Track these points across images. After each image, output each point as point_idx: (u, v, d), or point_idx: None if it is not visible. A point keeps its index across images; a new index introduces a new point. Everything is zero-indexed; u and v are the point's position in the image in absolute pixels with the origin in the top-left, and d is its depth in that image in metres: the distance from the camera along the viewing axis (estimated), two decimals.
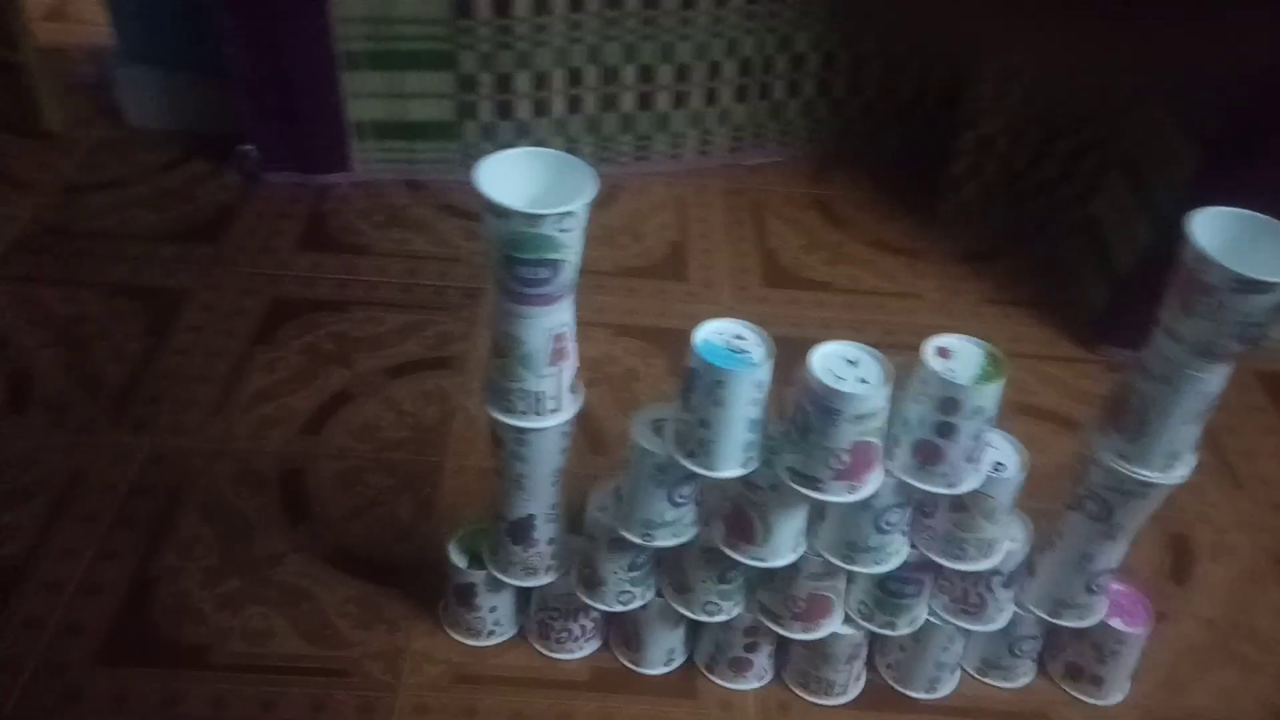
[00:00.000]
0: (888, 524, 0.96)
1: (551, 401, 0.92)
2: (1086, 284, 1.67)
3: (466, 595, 1.11)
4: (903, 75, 1.91)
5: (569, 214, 0.79)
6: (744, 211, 1.85)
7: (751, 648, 1.10)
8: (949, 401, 0.87)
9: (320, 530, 1.25)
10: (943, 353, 0.89)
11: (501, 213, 0.78)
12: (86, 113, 1.87)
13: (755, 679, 1.13)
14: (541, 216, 0.78)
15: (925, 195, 1.86)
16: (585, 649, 1.14)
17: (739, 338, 0.90)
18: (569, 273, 0.84)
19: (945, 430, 0.88)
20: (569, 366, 0.92)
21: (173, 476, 1.29)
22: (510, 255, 0.80)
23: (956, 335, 0.90)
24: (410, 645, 1.14)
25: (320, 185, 1.80)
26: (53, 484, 1.27)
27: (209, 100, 1.82)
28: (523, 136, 1.79)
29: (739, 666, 1.11)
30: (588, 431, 1.40)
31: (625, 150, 1.87)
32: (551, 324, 0.87)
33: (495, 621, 1.13)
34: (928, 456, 0.90)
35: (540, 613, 1.13)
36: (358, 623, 1.15)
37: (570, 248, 0.81)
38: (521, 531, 1.05)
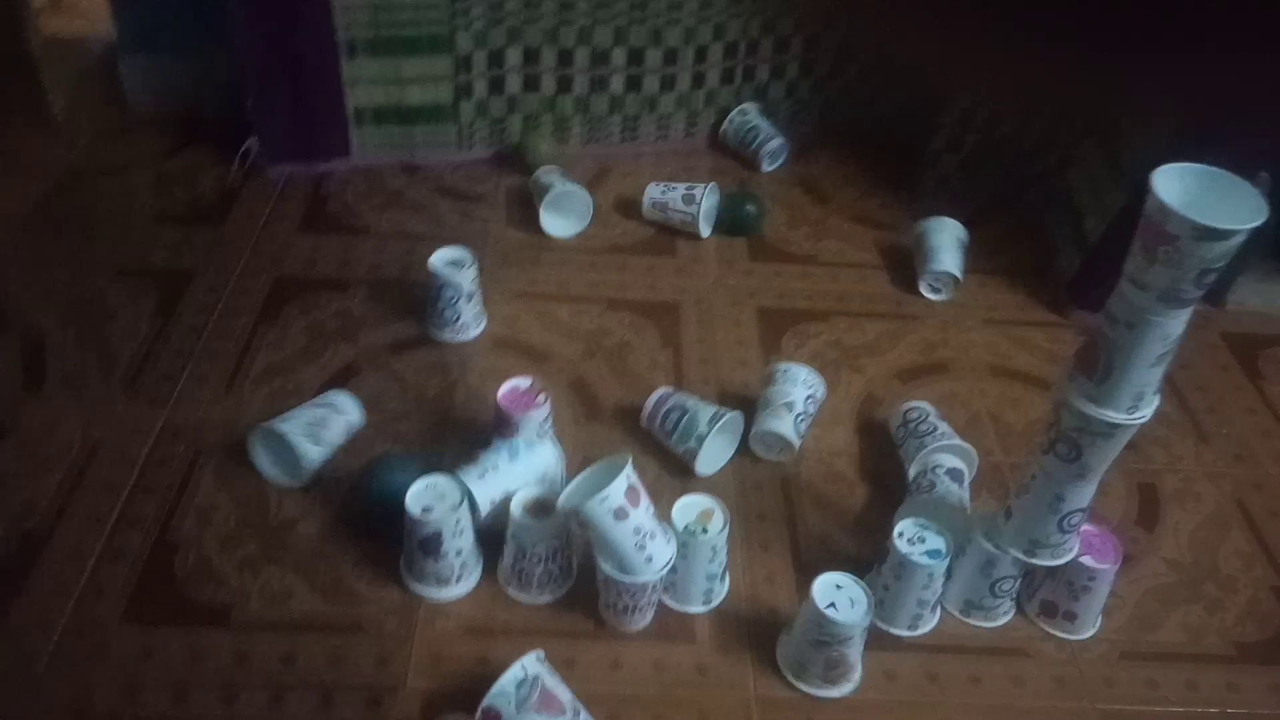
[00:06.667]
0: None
1: None
2: (1060, 252, 1.74)
3: (432, 546, 1.15)
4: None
5: None
6: (730, 190, 1.90)
7: None
8: None
9: (332, 495, 1.30)
10: None
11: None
12: (89, 101, 1.91)
13: None
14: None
15: (906, 171, 1.92)
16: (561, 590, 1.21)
17: None
18: None
19: None
20: None
21: (188, 448, 1.34)
22: None
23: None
24: (423, 601, 1.19)
25: (320, 171, 1.84)
26: (72, 456, 1.32)
27: (208, 86, 1.87)
28: (513, 112, 1.85)
29: None
30: (584, 400, 1.46)
31: (614, 130, 1.93)
32: None
33: (462, 564, 1.19)
34: None
35: (518, 563, 1.18)
36: (372, 581, 1.21)
37: None
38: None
